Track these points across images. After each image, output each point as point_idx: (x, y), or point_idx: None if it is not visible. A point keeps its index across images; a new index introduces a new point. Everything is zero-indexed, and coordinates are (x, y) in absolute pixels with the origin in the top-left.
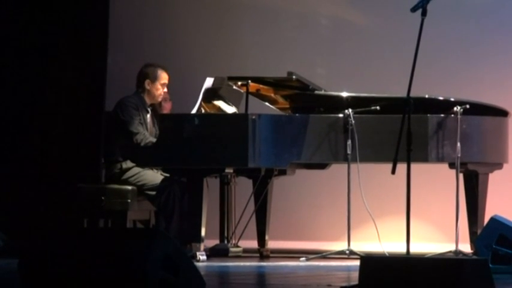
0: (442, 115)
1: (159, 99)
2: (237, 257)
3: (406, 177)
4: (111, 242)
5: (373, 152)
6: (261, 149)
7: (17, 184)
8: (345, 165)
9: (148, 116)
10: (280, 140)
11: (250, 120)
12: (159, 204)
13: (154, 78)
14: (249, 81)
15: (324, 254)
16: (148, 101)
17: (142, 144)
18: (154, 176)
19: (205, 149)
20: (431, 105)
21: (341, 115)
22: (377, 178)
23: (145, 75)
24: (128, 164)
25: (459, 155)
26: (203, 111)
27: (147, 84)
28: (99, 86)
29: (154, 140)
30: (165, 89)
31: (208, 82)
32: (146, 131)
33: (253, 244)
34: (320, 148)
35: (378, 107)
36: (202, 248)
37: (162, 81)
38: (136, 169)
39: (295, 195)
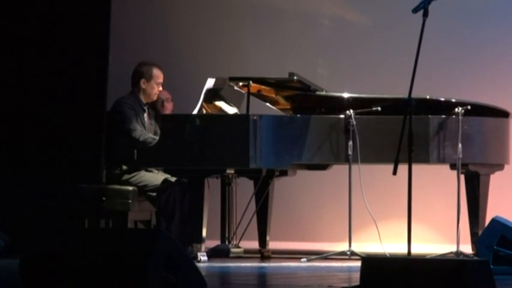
0: (444, 116)
1: (155, 98)
2: (238, 257)
3: (407, 178)
4: (112, 243)
5: (374, 152)
6: (262, 150)
7: (18, 184)
8: (346, 166)
9: (146, 115)
10: (282, 141)
11: (251, 121)
12: (160, 205)
13: (149, 78)
14: (250, 81)
15: (325, 254)
16: (144, 100)
17: (141, 139)
18: (155, 177)
19: (206, 149)
20: (432, 106)
21: (342, 116)
22: (378, 179)
23: (141, 74)
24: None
25: (460, 156)
26: (204, 111)
27: (142, 83)
28: (101, 85)
29: (154, 136)
30: (160, 88)
31: (210, 83)
32: (144, 129)
33: (254, 245)
34: (321, 149)
35: (379, 108)
36: (203, 248)
37: (158, 80)
38: (137, 170)
39: (296, 196)
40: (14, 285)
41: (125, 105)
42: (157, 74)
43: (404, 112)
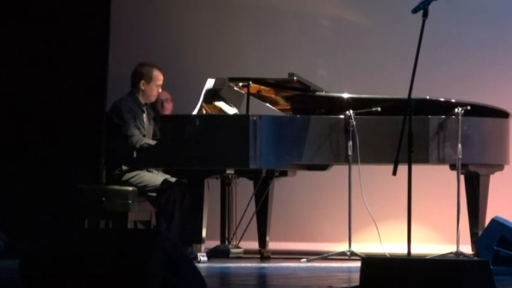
0: (443, 116)
1: (154, 99)
2: (238, 258)
3: (407, 179)
4: (112, 243)
5: (374, 153)
6: (262, 150)
7: (18, 184)
8: (346, 167)
9: (145, 115)
10: (281, 141)
11: (251, 121)
12: (160, 205)
13: (149, 79)
14: (250, 82)
15: (325, 255)
16: (142, 100)
17: (137, 146)
18: (154, 177)
19: (206, 150)
20: (432, 106)
21: (342, 116)
22: (378, 179)
23: (141, 75)
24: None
25: (460, 157)
26: (204, 112)
27: (142, 84)
28: (100, 86)
29: (150, 141)
30: (160, 90)
31: (210, 83)
32: (142, 132)
33: (254, 245)
34: (321, 149)
35: (379, 108)
36: (203, 249)
37: (158, 82)
38: (137, 170)
39: (296, 196)
40: (14, 285)
41: (123, 107)
42: (158, 76)
43: (404, 112)
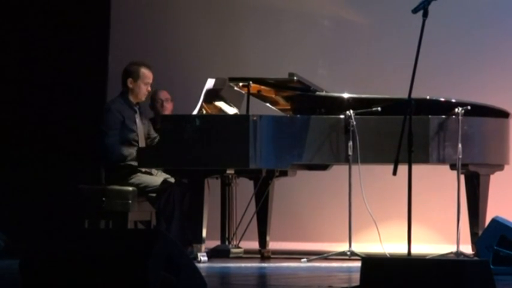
0: (443, 116)
1: (143, 98)
2: (238, 258)
3: (407, 179)
4: (112, 243)
5: (374, 153)
6: (262, 150)
7: (18, 184)
8: (346, 166)
9: (136, 115)
10: (282, 141)
11: (251, 121)
12: (160, 205)
13: (136, 77)
14: (250, 82)
15: (325, 255)
16: (133, 100)
17: (113, 159)
18: (154, 178)
19: (206, 150)
20: (432, 106)
21: (342, 116)
22: (378, 179)
23: (128, 73)
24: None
25: (460, 156)
26: (204, 112)
27: (129, 83)
28: (101, 86)
29: (125, 152)
30: (149, 88)
31: (210, 83)
32: (135, 131)
33: (254, 245)
34: (321, 149)
35: (379, 108)
36: (203, 249)
37: (145, 80)
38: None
39: (296, 196)
40: (14, 285)
41: (113, 111)
42: (145, 74)
43: (404, 112)
